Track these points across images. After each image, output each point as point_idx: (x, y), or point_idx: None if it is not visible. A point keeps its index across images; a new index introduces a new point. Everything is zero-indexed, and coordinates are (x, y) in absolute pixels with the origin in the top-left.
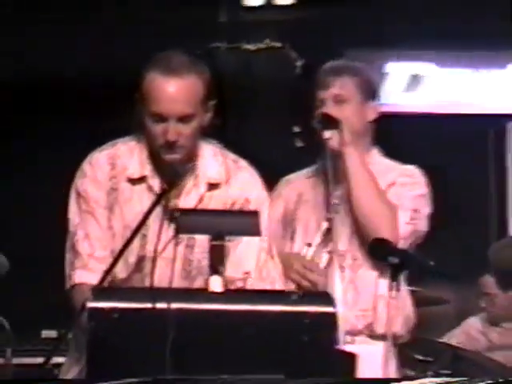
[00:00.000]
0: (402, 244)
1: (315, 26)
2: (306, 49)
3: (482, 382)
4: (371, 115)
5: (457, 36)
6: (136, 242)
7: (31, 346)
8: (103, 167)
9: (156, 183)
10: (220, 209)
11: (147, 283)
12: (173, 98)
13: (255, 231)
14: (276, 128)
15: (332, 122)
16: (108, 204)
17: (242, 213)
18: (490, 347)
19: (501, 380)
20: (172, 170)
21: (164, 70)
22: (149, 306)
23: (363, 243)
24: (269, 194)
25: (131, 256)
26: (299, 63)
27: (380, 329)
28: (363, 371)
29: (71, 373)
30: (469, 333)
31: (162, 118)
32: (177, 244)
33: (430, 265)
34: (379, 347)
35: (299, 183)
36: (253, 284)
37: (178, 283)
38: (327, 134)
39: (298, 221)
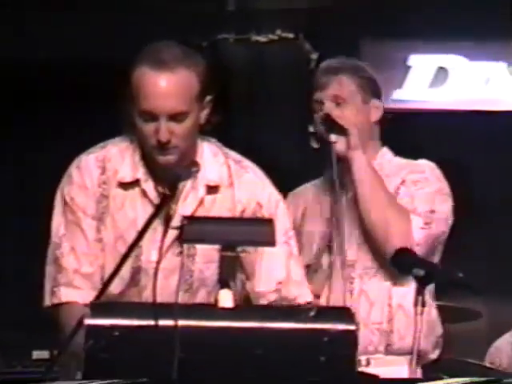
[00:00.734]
0: (417, 251)
1: (331, 14)
2: (321, 40)
3: (484, 381)
4: (375, 115)
5: (488, 26)
6: None
7: (22, 368)
8: (92, 172)
9: (150, 187)
10: (231, 217)
11: (144, 297)
12: (163, 95)
13: (270, 241)
14: (289, 126)
15: (337, 125)
16: (97, 213)
17: (254, 221)
18: None
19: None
20: (174, 175)
21: (154, 64)
22: (152, 322)
23: (374, 252)
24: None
25: (125, 269)
26: (314, 56)
27: (398, 343)
28: None
29: None
30: (505, 351)
31: (152, 117)
32: (177, 254)
33: (459, 276)
34: (403, 368)
35: (305, 197)
36: (289, 292)
37: (179, 296)
38: (333, 137)
39: (303, 236)
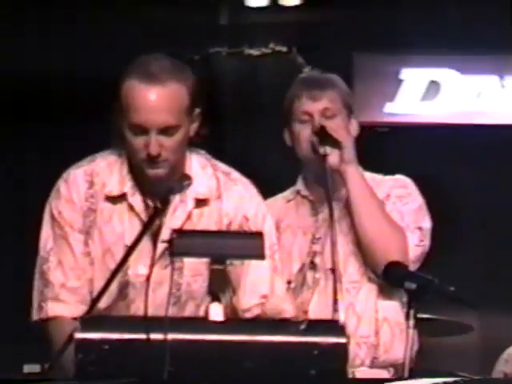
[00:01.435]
0: (411, 268)
1: (323, 28)
2: (313, 54)
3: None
4: (354, 131)
5: (480, 39)
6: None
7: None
8: (80, 186)
9: (137, 201)
10: (220, 230)
11: (133, 311)
12: (154, 108)
13: (259, 254)
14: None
15: (330, 138)
16: (84, 227)
17: (244, 234)
18: None
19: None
20: (167, 188)
21: (143, 77)
22: (143, 336)
23: (360, 265)
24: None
25: (113, 283)
26: (306, 69)
27: (383, 356)
28: None
29: None
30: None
31: (142, 130)
32: (165, 267)
33: (450, 290)
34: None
35: (277, 209)
36: (273, 306)
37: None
38: (327, 149)
39: (280, 248)
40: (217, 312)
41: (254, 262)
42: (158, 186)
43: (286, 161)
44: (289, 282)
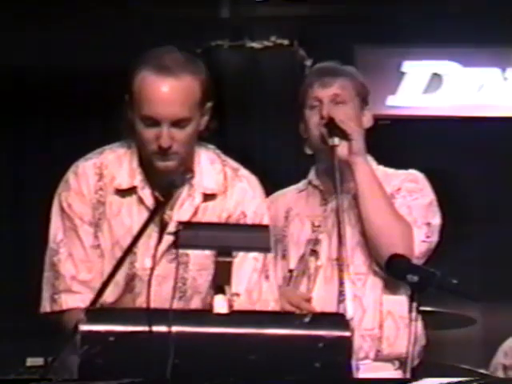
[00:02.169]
0: (416, 263)
1: (325, 21)
2: (315, 46)
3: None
4: (367, 123)
5: (482, 32)
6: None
7: (16, 375)
8: (89, 178)
9: (147, 194)
10: (226, 222)
11: (139, 304)
12: (167, 100)
13: (265, 246)
14: (283, 132)
15: (339, 129)
16: (94, 220)
17: (250, 226)
18: None
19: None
20: (169, 181)
21: (157, 69)
22: (147, 328)
23: (367, 257)
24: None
25: (120, 276)
26: (308, 62)
27: (387, 349)
28: None
29: None
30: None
31: (154, 122)
32: (171, 261)
33: (453, 283)
34: (390, 374)
35: (288, 198)
36: (240, 306)
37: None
38: (335, 140)
39: (288, 237)
40: (221, 304)
41: (237, 261)
42: (165, 179)
43: (288, 152)
44: (290, 271)
